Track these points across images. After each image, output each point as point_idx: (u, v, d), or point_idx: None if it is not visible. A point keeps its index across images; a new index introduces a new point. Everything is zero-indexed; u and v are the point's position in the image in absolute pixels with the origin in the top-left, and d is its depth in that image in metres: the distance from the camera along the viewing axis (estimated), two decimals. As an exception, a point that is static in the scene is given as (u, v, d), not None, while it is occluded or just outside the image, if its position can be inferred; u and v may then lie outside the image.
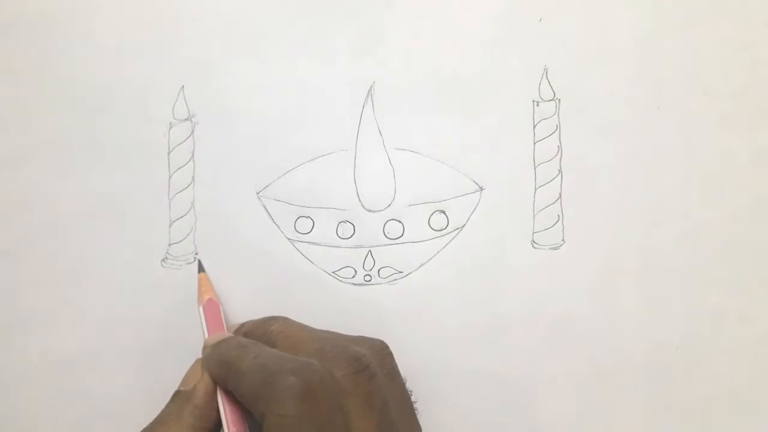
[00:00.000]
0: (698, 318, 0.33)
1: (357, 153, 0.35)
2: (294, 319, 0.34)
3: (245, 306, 0.34)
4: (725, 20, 0.35)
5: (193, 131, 0.35)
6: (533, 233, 0.35)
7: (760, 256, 0.35)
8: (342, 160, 0.35)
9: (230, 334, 0.31)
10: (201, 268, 0.34)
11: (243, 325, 0.32)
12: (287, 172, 0.35)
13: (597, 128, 0.35)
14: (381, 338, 0.32)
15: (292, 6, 0.35)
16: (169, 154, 0.35)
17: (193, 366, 0.31)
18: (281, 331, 0.30)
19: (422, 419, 0.34)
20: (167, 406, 0.30)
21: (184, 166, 0.35)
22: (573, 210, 0.35)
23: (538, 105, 0.35)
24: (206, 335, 0.32)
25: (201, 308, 0.32)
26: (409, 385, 0.34)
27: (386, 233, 0.35)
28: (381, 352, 0.30)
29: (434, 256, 0.35)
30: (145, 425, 0.29)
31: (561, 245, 0.35)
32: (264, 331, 0.31)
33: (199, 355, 0.31)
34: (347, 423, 0.26)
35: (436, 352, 0.34)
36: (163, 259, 0.35)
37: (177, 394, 0.30)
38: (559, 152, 0.35)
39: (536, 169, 0.35)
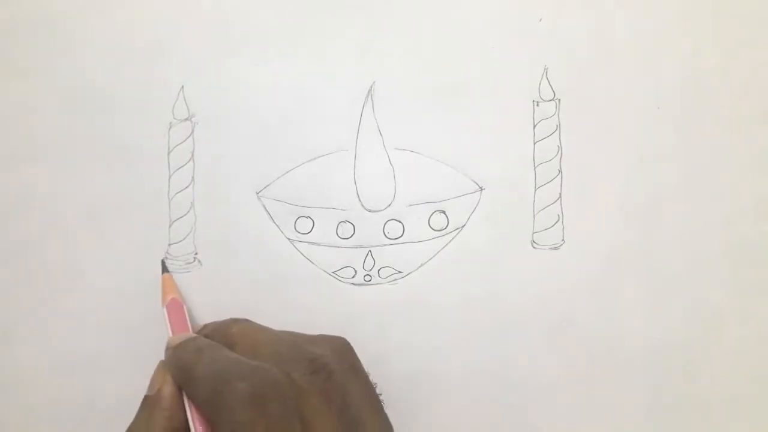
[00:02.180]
0: (698, 318, 0.33)
1: (357, 153, 0.35)
2: (294, 319, 0.34)
3: (245, 306, 0.34)
4: (725, 20, 0.35)
5: (193, 131, 0.35)
6: (533, 233, 0.35)
7: (760, 256, 0.35)
8: (342, 160, 0.35)
9: (193, 335, 0.31)
10: (165, 269, 0.34)
11: (206, 326, 0.32)
12: (287, 172, 0.35)
13: (597, 128, 0.35)
14: (381, 338, 0.32)
15: (292, 6, 0.35)
16: (169, 154, 0.35)
17: (156, 369, 0.30)
18: (242, 333, 0.30)
19: (421, 419, 0.34)
20: (137, 413, 0.29)
21: (184, 166, 0.35)
22: (573, 210, 0.35)
23: (538, 105, 0.35)
24: (170, 335, 0.32)
25: (164, 308, 0.32)
26: (408, 386, 0.34)
27: (386, 233, 0.35)
28: (341, 348, 0.30)
29: (434, 256, 0.35)
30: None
31: (561, 245, 0.35)
32: (225, 333, 0.30)
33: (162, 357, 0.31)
34: (305, 424, 0.26)
35: (436, 352, 0.34)
36: (163, 259, 0.35)
37: (145, 400, 0.30)
38: (559, 152, 0.35)
39: (536, 169, 0.35)
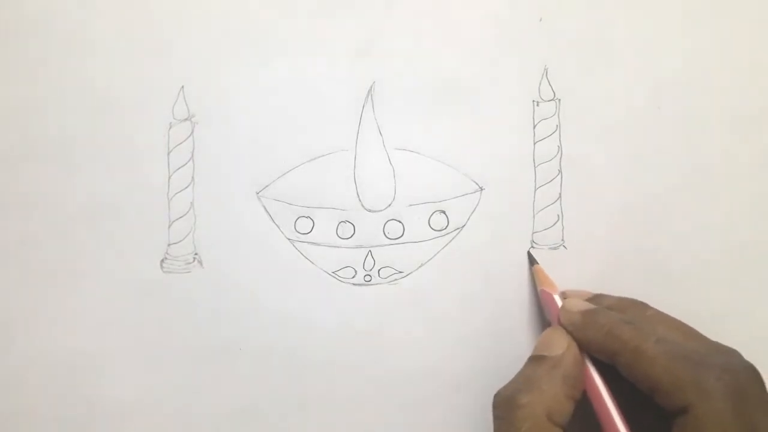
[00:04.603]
0: (698, 318, 0.33)
1: (357, 153, 0.35)
2: (294, 318, 0.34)
3: (246, 305, 0.34)
4: (725, 20, 0.35)
5: (193, 131, 0.35)
6: (533, 233, 0.35)
7: (760, 256, 0.35)
8: (342, 160, 0.35)
9: (594, 306, 0.30)
10: (534, 261, 0.34)
11: (597, 297, 0.32)
12: (287, 172, 0.35)
13: (597, 128, 0.35)
14: (381, 338, 0.32)
15: (292, 6, 0.35)
16: (168, 154, 0.35)
17: (554, 332, 0.30)
18: (660, 319, 0.30)
19: (422, 419, 0.34)
20: (532, 369, 0.29)
21: (183, 166, 0.35)
22: (573, 210, 0.35)
23: (538, 105, 0.35)
24: (557, 301, 0.31)
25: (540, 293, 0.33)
26: (408, 386, 0.34)
27: (386, 233, 0.35)
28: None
29: (434, 256, 0.35)
30: (144, 426, 0.29)
31: (561, 245, 0.35)
32: (640, 314, 0.30)
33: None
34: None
35: (436, 352, 0.34)
36: (162, 260, 0.35)
37: (541, 359, 0.29)
38: (559, 152, 0.35)
39: (536, 169, 0.35)
